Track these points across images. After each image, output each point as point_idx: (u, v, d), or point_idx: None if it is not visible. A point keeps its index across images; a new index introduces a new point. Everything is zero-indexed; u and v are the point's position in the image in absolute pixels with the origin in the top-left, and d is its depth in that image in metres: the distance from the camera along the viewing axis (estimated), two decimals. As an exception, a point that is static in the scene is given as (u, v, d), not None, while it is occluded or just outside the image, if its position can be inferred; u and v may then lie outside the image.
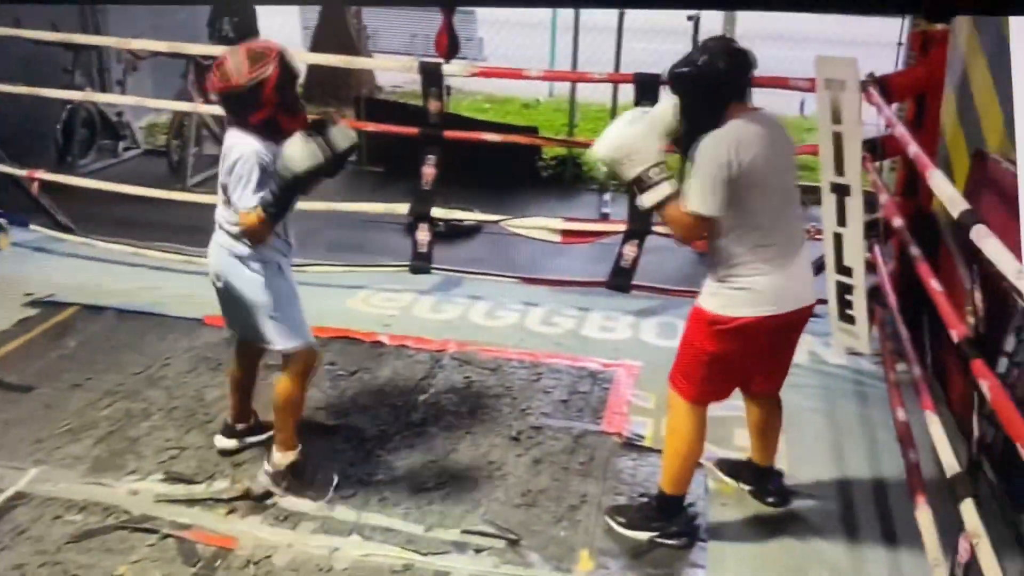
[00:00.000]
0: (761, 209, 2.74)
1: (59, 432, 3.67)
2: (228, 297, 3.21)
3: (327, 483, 3.36)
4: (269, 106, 2.92)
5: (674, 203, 2.75)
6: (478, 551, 3.05)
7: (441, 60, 4.99)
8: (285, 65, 2.93)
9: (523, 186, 7.30)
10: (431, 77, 5.05)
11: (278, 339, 3.18)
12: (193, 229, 4.24)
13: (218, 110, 6.44)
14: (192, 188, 6.58)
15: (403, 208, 5.26)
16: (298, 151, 2.84)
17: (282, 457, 3.30)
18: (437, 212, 5.23)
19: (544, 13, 10.94)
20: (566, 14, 9.82)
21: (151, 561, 2.95)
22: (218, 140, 7.08)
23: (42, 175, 5.65)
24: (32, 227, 5.71)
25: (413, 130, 5.21)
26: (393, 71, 8.72)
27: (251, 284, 3.12)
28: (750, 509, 3.30)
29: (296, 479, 3.32)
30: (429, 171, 5.19)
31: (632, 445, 3.68)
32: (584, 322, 4.88)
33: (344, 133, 2.93)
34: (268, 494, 3.28)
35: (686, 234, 2.81)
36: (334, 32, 9.81)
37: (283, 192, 2.88)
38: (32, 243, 5.65)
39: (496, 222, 5.23)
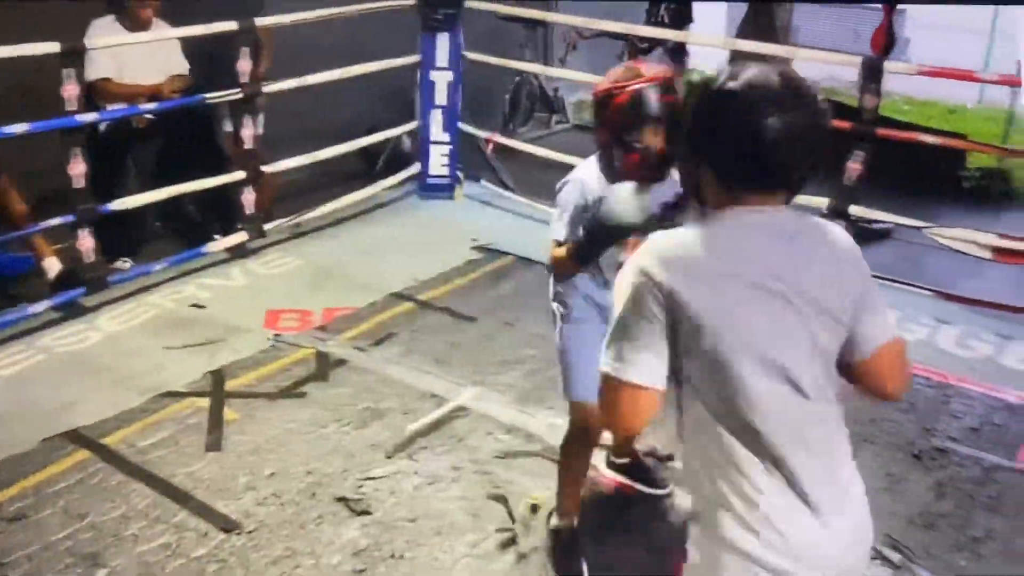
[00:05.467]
0: (741, 391, 1.56)
1: (494, 361, 4.24)
2: None
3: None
4: (607, 130, 2.56)
5: None
6: (872, 559, 3.06)
7: (879, 57, 4.88)
8: (643, 98, 2.48)
9: (941, 196, 6.86)
10: (871, 73, 4.95)
11: (562, 383, 2.90)
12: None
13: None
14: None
15: (821, 201, 5.23)
16: (623, 201, 2.35)
17: (552, 522, 3.04)
18: (855, 210, 5.14)
19: (983, 19, 10.01)
20: (1009, 20, 8.93)
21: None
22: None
23: (498, 138, 6.43)
24: (482, 183, 6.54)
25: (846, 124, 5.14)
26: (824, 64, 8.55)
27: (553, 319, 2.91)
28: None
29: (561, 548, 3.00)
30: (855, 167, 5.09)
31: (1050, 489, 3.44)
32: (1004, 350, 4.55)
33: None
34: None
35: (606, 412, 1.69)
36: (762, 24, 9.80)
37: (594, 236, 2.44)
38: (480, 196, 6.47)
39: (919, 228, 5.03)
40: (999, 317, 4.79)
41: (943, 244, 4.95)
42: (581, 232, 2.50)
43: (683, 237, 1.59)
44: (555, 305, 2.86)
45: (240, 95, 5.10)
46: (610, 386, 1.61)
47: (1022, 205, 6.95)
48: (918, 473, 3.52)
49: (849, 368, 1.67)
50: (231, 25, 4.93)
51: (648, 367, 1.57)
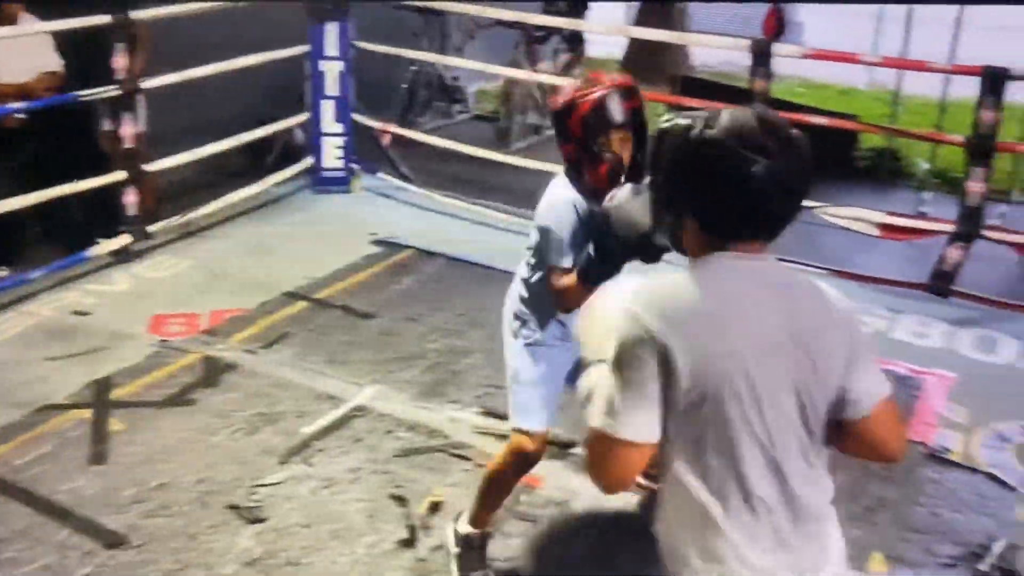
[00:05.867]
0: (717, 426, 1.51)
1: (394, 358, 4.15)
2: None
3: None
4: (572, 143, 2.47)
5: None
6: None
7: (770, 40, 4.96)
8: (607, 104, 2.41)
9: (835, 176, 7.02)
10: (761, 57, 5.02)
11: (511, 411, 2.75)
12: (512, 190, 4.57)
13: (544, 80, 6.86)
14: (515, 152, 7.02)
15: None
16: (631, 205, 2.23)
17: (462, 527, 2.89)
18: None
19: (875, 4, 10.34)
20: (899, 7, 9.23)
21: (464, 487, 3.23)
22: (541, 111, 7.49)
23: (394, 128, 6.33)
24: (380, 175, 6.42)
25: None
26: (715, 48, 8.69)
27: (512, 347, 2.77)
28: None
29: (466, 552, 2.89)
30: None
31: (936, 457, 3.53)
32: (895, 324, 4.69)
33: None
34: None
35: (595, 468, 1.58)
36: (657, 10, 9.91)
37: (608, 252, 2.33)
38: (378, 189, 6.36)
39: (811, 209, 5.13)
40: (890, 292, 4.93)
41: (834, 223, 5.07)
42: (592, 251, 2.37)
43: (676, 286, 1.52)
44: (515, 322, 2.72)
45: (117, 92, 4.88)
46: (602, 443, 1.51)
47: (911, 183, 7.18)
48: (813, 448, 3.57)
49: (844, 428, 1.58)
50: (104, 19, 4.72)
51: (644, 423, 1.49)
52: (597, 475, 1.57)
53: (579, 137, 2.44)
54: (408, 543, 3.00)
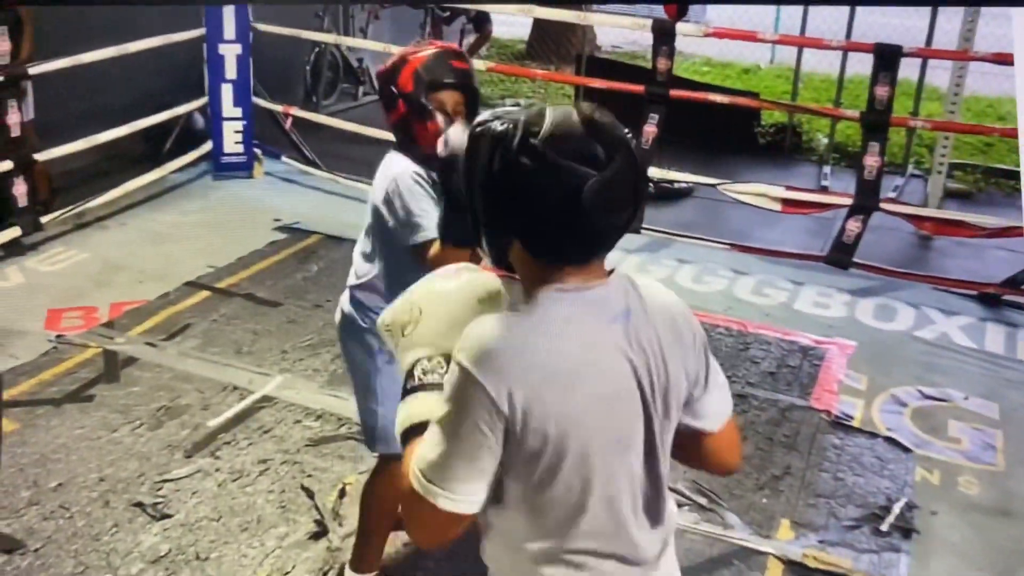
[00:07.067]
0: (554, 495, 1.37)
1: (301, 346, 4.07)
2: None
3: None
4: (399, 105, 2.31)
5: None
6: (679, 506, 3.14)
7: (672, 20, 5.01)
8: (434, 62, 2.30)
9: (739, 152, 7.19)
10: (663, 36, 5.07)
11: (376, 438, 2.53)
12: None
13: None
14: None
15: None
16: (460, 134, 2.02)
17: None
18: (654, 172, 5.28)
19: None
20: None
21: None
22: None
23: (295, 111, 6.19)
24: (283, 159, 6.28)
25: (639, 88, 5.25)
26: (620, 28, 8.77)
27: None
28: (959, 504, 3.22)
29: None
30: (650, 130, 5.23)
31: (840, 424, 3.65)
32: (797, 296, 4.82)
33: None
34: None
35: (413, 524, 1.43)
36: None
37: (460, 201, 1.82)
38: (282, 174, 6.23)
39: (714, 185, 5.23)
40: (793, 265, 5.06)
41: (737, 199, 5.18)
42: (445, 208, 2.16)
43: (508, 333, 1.31)
44: (370, 337, 2.41)
45: (0, 78, 4.64)
46: (421, 504, 1.33)
47: (810, 158, 7.38)
48: (721, 419, 3.64)
49: (692, 442, 1.50)
50: (-18, 0, 4.48)
51: (470, 495, 1.32)
52: (413, 530, 1.43)
53: (409, 94, 2.27)
54: (320, 534, 2.95)
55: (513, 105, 1.38)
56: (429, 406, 1.36)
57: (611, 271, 1.39)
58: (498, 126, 1.33)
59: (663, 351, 1.38)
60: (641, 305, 1.38)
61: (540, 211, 1.30)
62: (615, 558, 1.41)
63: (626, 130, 1.35)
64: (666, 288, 1.49)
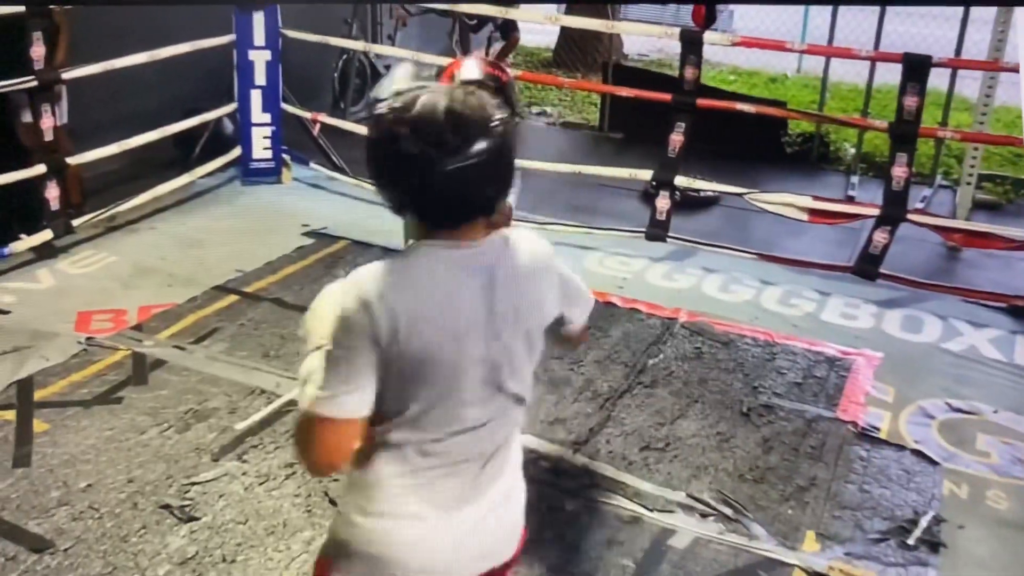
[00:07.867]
0: (417, 396, 1.55)
1: (328, 351, 4.09)
2: None
3: None
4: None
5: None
6: (704, 516, 3.13)
7: (700, 29, 5.01)
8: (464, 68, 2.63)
9: (765, 162, 7.16)
10: (691, 45, 5.07)
11: None
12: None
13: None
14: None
15: (646, 174, 5.34)
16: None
17: None
18: (680, 180, 5.27)
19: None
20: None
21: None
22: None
23: (323, 118, 6.23)
24: (311, 165, 6.33)
25: (666, 96, 5.24)
26: (647, 36, 8.77)
27: None
28: (987, 518, 3.19)
29: None
30: (677, 139, 5.22)
31: (866, 436, 3.62)
32: (824, 307, 4.79)
33: None
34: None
35: (307, 450, 1.54)
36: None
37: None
38: (310, 179, 6.29)
39: (741, 195, 5.22)
40: (820, 275, 5.03)
41: (762, 208, 5.16)
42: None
43: (378, 271, 1.51)
44: None
45: (34, 83, 4.71)
46: (311, 423, 1.49)
47: (838, 168, 7.34)
48: (746, 430, 3.63)
49: (557, 333, 1.85)
50: (18, 9, 4.56)
51: (353, 399, 1.49)
52: (306, 456, 1.55)
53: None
54: (345, 537, 2.96)
55: (420, 88, 1.51)
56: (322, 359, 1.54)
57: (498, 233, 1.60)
58: (380, 108, 1.51)
59: (522, 297, 1.60)
60: (510, 260, 1.60)
61: (402, 185, 1.50)
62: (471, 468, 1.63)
63: (501, 116, 1.51)
64: (536, 238, 1.70)
